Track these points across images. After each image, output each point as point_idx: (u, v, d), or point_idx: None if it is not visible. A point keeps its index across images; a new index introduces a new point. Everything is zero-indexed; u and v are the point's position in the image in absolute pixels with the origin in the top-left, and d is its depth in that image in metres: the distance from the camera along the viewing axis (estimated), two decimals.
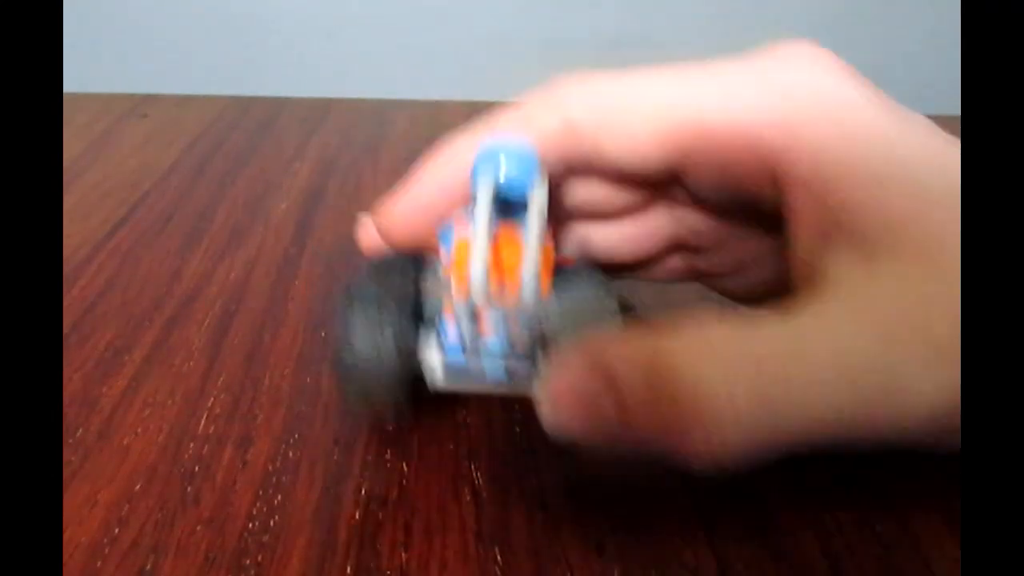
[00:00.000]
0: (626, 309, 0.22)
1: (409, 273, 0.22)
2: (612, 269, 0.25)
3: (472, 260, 0.18)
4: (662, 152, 0.21)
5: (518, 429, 0.24)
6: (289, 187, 0.42)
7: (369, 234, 0.24)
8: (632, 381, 0.16)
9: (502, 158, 0.19)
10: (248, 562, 0.19)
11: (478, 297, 0.19)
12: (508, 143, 0.20)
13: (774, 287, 0.24)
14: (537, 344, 0.20)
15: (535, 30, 0.62)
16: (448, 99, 0.61)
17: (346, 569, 0.19)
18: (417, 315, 0.21)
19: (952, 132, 0.18)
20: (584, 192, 0.24)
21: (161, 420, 0.24)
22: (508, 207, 0.20)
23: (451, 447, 0.23)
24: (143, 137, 0.50)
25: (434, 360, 0.21)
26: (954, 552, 0.20)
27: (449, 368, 0.21)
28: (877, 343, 0.16)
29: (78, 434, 0.23)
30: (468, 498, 0.21)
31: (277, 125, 0.53)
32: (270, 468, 0.22)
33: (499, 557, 0.20)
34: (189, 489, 0.22)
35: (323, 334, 0.29)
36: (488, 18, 0.61)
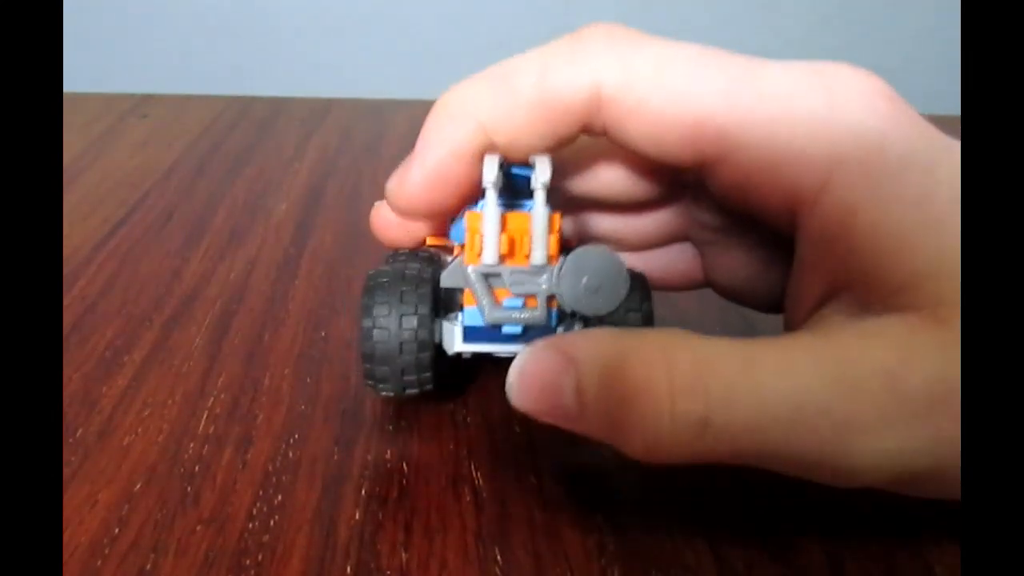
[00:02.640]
0: (635, 276, 0.22)
1: (424, 267, 0.23)
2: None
3: (484, 222, 0.20)
4: (687, 150, 0.19)
5: (518, 429, 0.24)
6: (289, 187, 0.42)
7: (384, 220, 0.24)
8: (591, 375, 0.17)
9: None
10: (248, 562, 0.19)
11: (491, 255, 0.20)
12: None
13: (776, 296, 0.24)
14: (547, 304, 0.20)
15: (535, 30, 0.62)
16: None
17: (346, 569, 0.19)
18: (435, 308, 0.22)
19: (952, 133, 0.18)
20: (592, 177, 0.23)
21: (161, 420, 0.24)
22: (515, 199, 0.21)
23: (451, 447, 0.23)
24: (143, 137, 0.50)
25: (453, 331, 0.22)
26: (954, 553, 0.20)
27: (468, 330, 0.21)
28: (839, 390, 0.16)
29: (78, 434, 0.23)
30: (468, 498, 0.21)
31: (277, 125, 0.52)
32: (270, 468, 0.22)
33: (499, 557, 0.20)
34: (189, 489, 0.22)
35: (323, 334, 0.29)
36: (488, 18, 0.61)
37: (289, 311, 0.30)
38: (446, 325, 0.22)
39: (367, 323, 0.21)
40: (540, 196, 0.19)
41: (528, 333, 0.21)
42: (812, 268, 0.19)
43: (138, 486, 0.22)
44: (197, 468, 0.22)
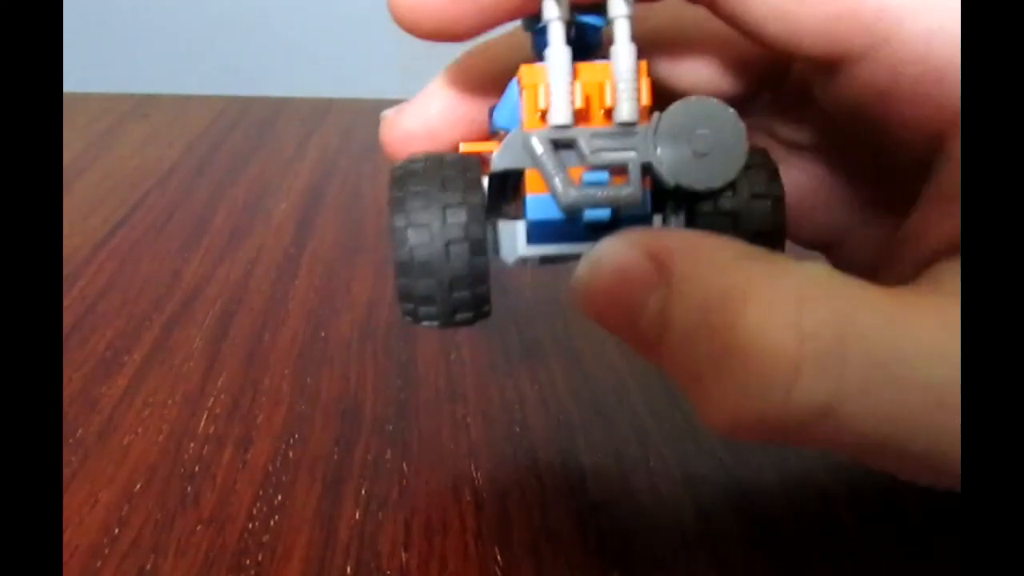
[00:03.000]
0: (756, 148, 0.16)
1: (464, 165, 0.17)
2: None
3: (551, 68, 0.15)
4: (826, 35, 0.15)
5: (518, 429, 0.24)
6: (289, 187, 0.42)
7: (402, 132, 0.19)
8: (688, 300, 0.13)
9: None
10: (248, 562, 0.19)
11: (562, 112, 0.15)
12: None
13: (833, 232, 0.20)
14: (642, 175, 0.15)
15: None
16: None
17: (346, 569, 0.19)
18: (488, 202, 0.17)
19: None
20: (663, 68, 0.18)
21: (161, 420, 0.24)
22: (582, 57, 0.16)
23: (451, 447, 0.23)
24: (143, 137, 0.50)
25: (514, 230, 0.16)
26: (955, 555, 0.20)
27: (535, 226, 0.16)
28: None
29: (78, 434, 0.23)
30: (468, 498, 0.21)
31: (277, 125, 0.52)
32: (270, 468, 0.22)
33: (499, 557, 0.20)
34: (189, 489, 0.22)
35: (323, 334, 0.29)
36: None
37: (289, 311, 0.30)
38: (502, 225, 0.17)
39: (399, 222, 0.16)
40: (623, 29, 0.15)
41: (616, 223, 0.15)
42: (949, 204, 0.15)
43: (138, 486, 0.22)
44: (197, 468, 0.22)
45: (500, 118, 0.17)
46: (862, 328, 0.12)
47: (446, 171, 0.16)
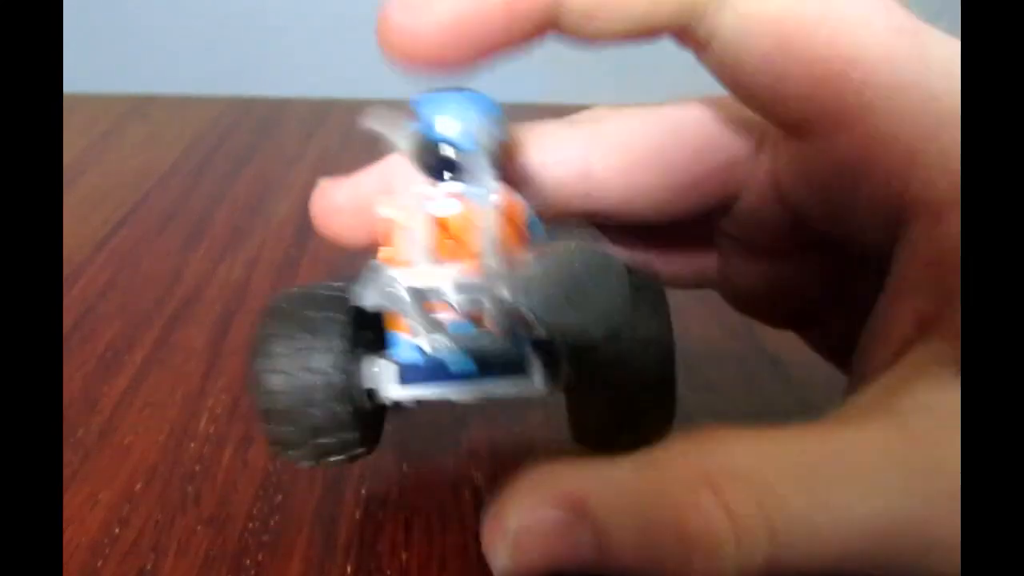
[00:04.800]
0: (641, 284, 0.15)
1: (338, 293, 0.17)
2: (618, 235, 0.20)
3: (410, 213, 0.14)
4: (808, 97, 0.15)
5: (518, 429, 0.24)
6: (289, 187, 0.42)
7: (330, 204, 0.19)
8: (619, 529, 0.13)
9: (439, 106, 0.15)
10: (248, 562, 0.19)
11: (421, 254, 0.14)
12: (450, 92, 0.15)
13: (800, 314, 0.21)
14: (511, 323, 0.14)
15: None
16: None
17: (346, 569, 0.19)
18: (356, 338, 0.16)
19: None
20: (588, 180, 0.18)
21: (161, 420, 0.24)
22: (447, 175, 0.15)
23: (451, 447, 0.23)
24: (143, 137, 0.50)
25: (381, 368, 0.16)
26: None
27: (407, 369, 0.15)
28: (929, 509, 0.13)
29: (78, 434, 0.23)
30: (468, 498, 0.21)
31: (277, 125, 0.52)
32: (270, 468, 0.22)
33: None
34: (189, 489, 0.22)
35: None
36: None
37: None
38: (367, 362, 0.16)
39: (260, 364, 0.15)
40: (484, 167, 0.14)
41: (489, 367, 0.15)
42: (909, 296, 0.15)
43: (138, 486, 0.22)
44: (197, 468, 0.22)
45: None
46: (776, 478, 0.13)
47: (310, 310, 0.15)
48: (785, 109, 0.16)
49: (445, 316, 0.14)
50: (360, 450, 0.16)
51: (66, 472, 0.22)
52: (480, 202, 0.14)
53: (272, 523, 0.20)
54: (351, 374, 0.15)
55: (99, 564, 0.19)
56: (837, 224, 0.17)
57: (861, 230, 0.17)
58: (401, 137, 0.14)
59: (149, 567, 0.19)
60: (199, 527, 0.20)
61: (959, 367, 0.14)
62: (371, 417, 0.17)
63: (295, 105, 0.56)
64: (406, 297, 0.14)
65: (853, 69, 0.15)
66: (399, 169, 0.17)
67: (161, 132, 0.51)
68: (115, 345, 0.28)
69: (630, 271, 0.13)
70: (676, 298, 0.17)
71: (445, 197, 0.14)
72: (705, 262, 0.21)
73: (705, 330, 0.29)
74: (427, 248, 0.14)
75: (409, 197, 0.14)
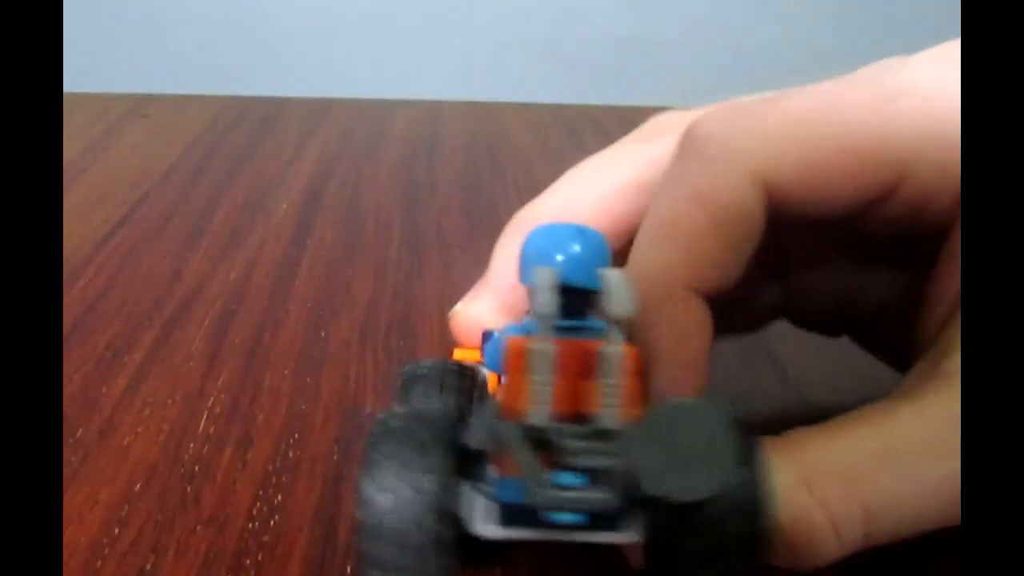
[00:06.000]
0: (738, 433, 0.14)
1: (455, 389, 0.17)
2: None
3: (533, 361, 0.14)
4: (861, 198, 0.17)
5: None
6: (289, 187, 0.42)
7: (471, 321, 0.20)
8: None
9: (561, 254, 0.15)
10: (248, 562, 0.19)
11: (541, 413, 0.14)
12: (566, 229, 0.15)
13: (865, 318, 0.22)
14: (619, 482, 0.14)
15: (535, 30, 0.62)
16: (448, 99, 0.61)
17: (346, 569, 0.19)
18: (457, 455, 0.15)
19: None
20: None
21: (161, 420, 0.24)
22: (572, 318, 0.15)
23: None
24: (143, 137, 0.50)
25: (482, 504, 0.15)
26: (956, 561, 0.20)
27: (508, 509, 0.15)
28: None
29: (78, 434, 0.23)
30: None
31: (277, 125, 0.52)
32: (270, 468, 0.22)
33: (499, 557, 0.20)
34: (189, 489, 0.22)
35: (323, 334, 0.29)
36: (488, 18, 0.61)
37: (289, 311, 0.30)
38: (473, 496, 0.15)
39: (367, 488, 0.14)
40: (617, 336, 0.14)
41: (593, 517, 0.15)
42: (951, 273, 0.17)
43: (138, 486, 0.22)
44: (197, 468, 0.22)
45: (489, 359, 0.17)
46: (859, 466, 0.15)
47: (422, 432, 0.15)
48: (828, 208, 0.17)
49: (556, 467, 0.14)
50: None
51: (66, 472, 0.22)
52: (607, 351, 0.14)
53: (272, 523, 0.20)
54: (450, 514, 0.15)
55: (99, 564, 0.19)
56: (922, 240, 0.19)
57: (916, 237, 0.18)
58: (542, 276, 0.14)
59: (149, 567, 0.19)
60: (199, 527, 0.20)
61: None
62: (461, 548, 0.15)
63: (295, 105, 0.56)
64: (517, 443, 0.14)
65: (881, 148, 0.17)
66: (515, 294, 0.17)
67: (161, 132, 0.51)
68: (115, 345, 0.28)
69: (739, 428, 0.14)
70: None
71: (570, 342, 0.14)
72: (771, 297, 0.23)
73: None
74: (550, 394, 0.14)
75: (539, 335, 0.14)
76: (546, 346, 0.14)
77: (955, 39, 0.17)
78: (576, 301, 0.15)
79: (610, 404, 0.14)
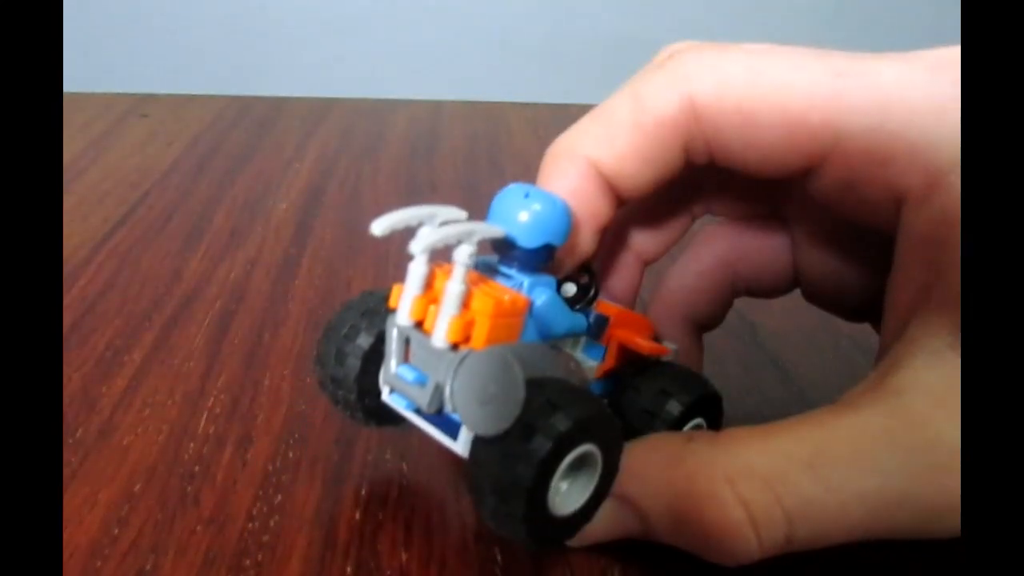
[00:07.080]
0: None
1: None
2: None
3: (407, 277, 0.17)
4: (792, 152, 0.18)
5: None
6: (289, 187, 0.42)
7: None
8: (659, 516, 0.17)
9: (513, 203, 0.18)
10: (248, 562, 0.19)
11: (403, 314, 0.18)
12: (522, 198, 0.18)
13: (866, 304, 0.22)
14: (433, 393, 0.17)
15: (535, 30, 0.62)
16: (448, 99, 0.61)
17: (346, 569, 0.19)
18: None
19: None
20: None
21: (161, 420, 0.24)
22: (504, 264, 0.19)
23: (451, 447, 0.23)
24: (143, 137, 0.50)
25: (385, 372, 0.19)
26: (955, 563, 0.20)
27: (386, 380, 0.19)
28: (920, 481, 0.15)
29: (78, 434, 0.23)
30: (468, 498, 0.21)
31: (277, 125, 0.53)
32: (270, 468, 0.22)
33: (499, 557, 0.20)
34: (189, 489, 0.22)
35: None
36: (488, 18, 0.61)
37: (289, 311, 0.30)
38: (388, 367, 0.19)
39: (325, 344, 0.20)
40: (457, 273, 0.17)
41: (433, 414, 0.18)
42: (907, 273, 0.17)
43: (138, 486, 0.22)
44: (197, 468, 0.22)
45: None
46: (784, 470, 0.16)
47: (357, 319, 0.20)
48: (779, 167, 0.18)
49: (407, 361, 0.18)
50: (364, 419, 0.20)
51: (66, 472, 0.22)
52: (449, 286, 0.17)
53: (272, 523, 0.20)
54: (369, 372, 0.19)
55: (99, 564, 0.19)
56: (864, 222, 0.19)
57: (872, 220, 0.19)
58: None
59: (149, 567, 0.19)
60: (199, 527, 0.20)
61: (956, 335, 0.16)
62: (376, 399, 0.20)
63: (295, 104, 0.56)
64: (391, 330, 0.18)
65: (809, 116, 0.17)
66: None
67: (161, 132, 0.51)
68: (114, 345, 0.28)
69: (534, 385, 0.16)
70: None
71: (458, 266, 0.17)
72: (788, 264, 0.24)
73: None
74: (408, 307, 0.17)
75: (410, 267, 0.17)
76: (421, 268, 0.17)
77: (943, 47, 0.18)
78: (513, 254, 0.18)
79: (439, 331, 0.17)
